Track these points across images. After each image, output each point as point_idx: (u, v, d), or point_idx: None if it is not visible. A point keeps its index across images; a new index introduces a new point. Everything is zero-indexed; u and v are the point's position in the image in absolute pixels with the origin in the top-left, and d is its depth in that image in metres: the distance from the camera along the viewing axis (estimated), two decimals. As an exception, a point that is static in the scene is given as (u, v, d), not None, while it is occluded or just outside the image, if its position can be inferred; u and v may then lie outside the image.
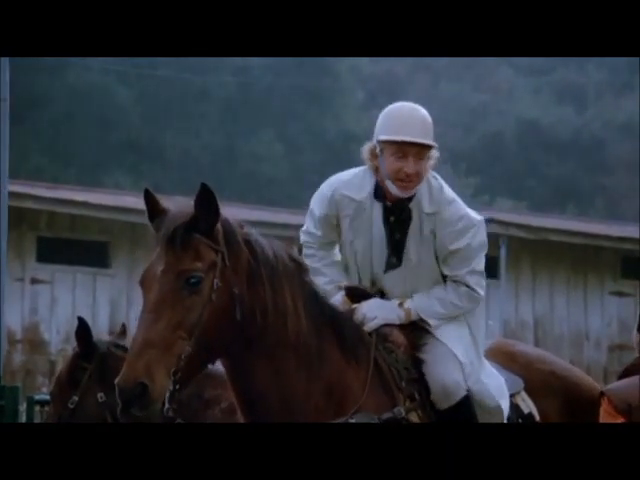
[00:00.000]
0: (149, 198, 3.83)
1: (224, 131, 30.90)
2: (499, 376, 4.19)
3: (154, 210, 3.89)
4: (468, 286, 4.07)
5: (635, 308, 19.36)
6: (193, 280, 3.67)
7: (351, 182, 4.09)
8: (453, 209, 4.07)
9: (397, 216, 4.03)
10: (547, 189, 32.75)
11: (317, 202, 4.15)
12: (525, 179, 33.12)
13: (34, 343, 16.74)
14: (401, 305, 4.07)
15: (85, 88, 28.73)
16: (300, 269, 3.87)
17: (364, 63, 33.92)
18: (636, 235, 19.09)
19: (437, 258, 4.08)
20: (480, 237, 4.13)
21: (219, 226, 3.73)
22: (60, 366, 4.90)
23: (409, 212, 4.03)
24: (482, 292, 4.11)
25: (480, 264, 4.12)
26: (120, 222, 17.20)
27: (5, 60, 6.74)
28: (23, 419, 6.43)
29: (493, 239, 18.21)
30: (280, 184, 30.83)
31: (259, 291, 3.73)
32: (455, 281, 4.08)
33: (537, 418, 4.22)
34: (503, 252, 16.62)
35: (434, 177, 4.10)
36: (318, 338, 3.81)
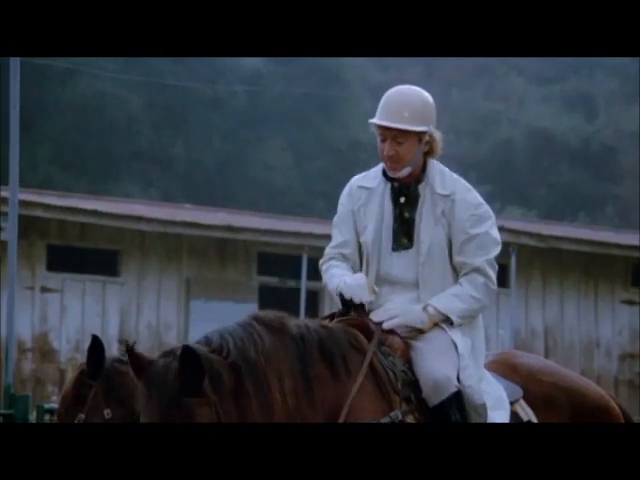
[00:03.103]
0: (132, 356, 3.76)
1: (234, 140, 30.92)
2: (498, 384, 4.20)
3: (138, 368, 3.79)
4: (486, 275, 4.09)
5: (646, 317, 19.30)
6: None
7: (367, 175, 4.25)
8: (473, 195, 4.16)
9: (406, 196, 4.14)
10: (558, 197, 32.69)
11: (340, 200, 4.27)
12: (536, 187, 33.07)
13: (44, 352, 16.75)
14: (425, 309, 4.09)
15: (95, 97, 28.79)
16: (282, 329, 3.93)
17: (372, 71, 33.94)
18: (647, 243, 19.01)
19: (450, 246, 4.11)
20: (496, 232, 4.20)
21: (206, 376, 3.73)
22: (69, 375, 4.89)
23: (416, 192, 4.13)
24: (496, 286, 4.14)
25: (494, 259, 4.15)
26: (130, 230, 17.21)
27: (16, 69, 6.74)
28: (33, 428, 6.41)
29: (503, 248, 18.08)
30: (290, 192, 30.83)
31: (246, 407, 3.78)
32: (471, 272, 4.09)
33: None
34: (513, 261, 16.59)
35: (444, 166, 4.21)
36: (306, 388, 3.87)
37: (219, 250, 17.94)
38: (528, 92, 35.33)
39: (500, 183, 32.24)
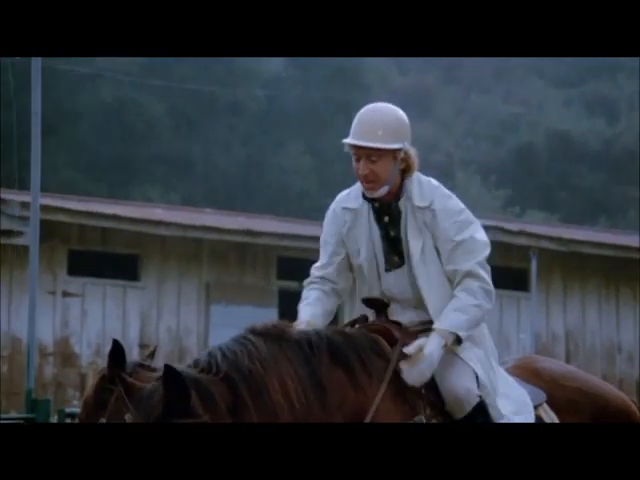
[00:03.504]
0: (125, 385, 3.84)
1: (253, 144, 30.96)
2: (521, 388, 4.19)
3: (129, 395, 3.88)
4: (479, 278, 4.05)
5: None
6: None
7: (349, 194, 4.23)
8: (453, 202, 4.12)
9: (389, 215, 4.11)
10: (578, 201, 32.57)
11: (325, 220, 4.25)
12: (556, 191, 32.95)
13: (65, 356, 16.81)
14: (436, 335, 4.02)
15: (115, 102, 28.89)
16: (282, 336, 3.92)
17: (394, 75, 33.90)
18: (669, 247, 18.89)
19: (440, 256, 4.09)
20: (482, 234, 4.15)
21: (193, 395, 3.73)
22: (90, 379, 4.93)
23: (398, 208, 4.11)
24: (492, 286, 4.10)
25: (485, 260, 4.10)
26: (150, 235, 17.25)
27: (37, 74, 6.78)
28: (54, 432, 6.44)
29: (524, 251, 18.12)
30: (310, 196, 30.84)
31: (246, 418, 3.78)
32: (463, 278, 4.05)
33: None
34: (534, 265, 16.53)
35: (423, 176, 4.17)
36: (318, 392, 3.85)
37: (239, 254, 17.96)
38: (548, 95, 35.20)
39: (520, 187, 32.12)
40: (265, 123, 31.01)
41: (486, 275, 4.08)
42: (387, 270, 4.10)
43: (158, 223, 17.23)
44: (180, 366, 3.78)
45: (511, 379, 4.19)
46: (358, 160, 4.11)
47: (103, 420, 4.38)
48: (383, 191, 4.08)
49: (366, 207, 4.14)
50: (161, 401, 3.70)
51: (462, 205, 4.12)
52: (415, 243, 4.07)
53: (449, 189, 4.20)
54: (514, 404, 4.11)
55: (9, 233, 16.26)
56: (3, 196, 16.82)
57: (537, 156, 33.59)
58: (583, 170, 33.23)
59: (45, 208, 14.97)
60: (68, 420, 6.48)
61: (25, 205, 14.64)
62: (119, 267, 17.28)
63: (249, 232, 17.70)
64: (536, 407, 4.18)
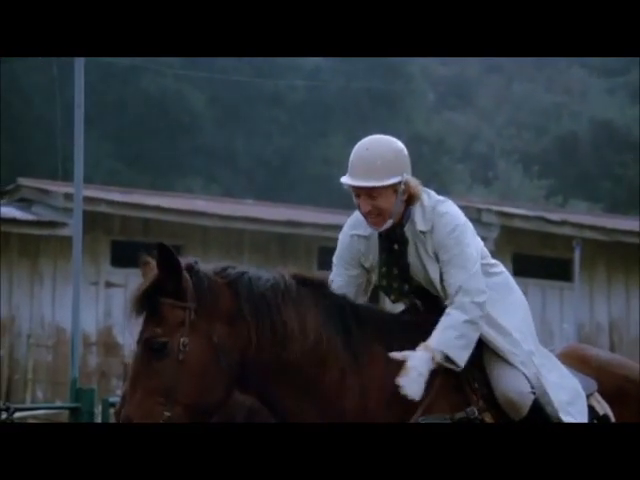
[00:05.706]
0: (144, 266, 4.00)
1: (294, 135, 30.99)
2: (573, 377, 4.18)
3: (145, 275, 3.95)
4: (469, 293, 3.99)
5: None
6: (156, 346, 3.79)
7: (359, 218, 4.19)
8: (446, 219, 4.06)
9: (397, 242, 4.11)
10: (622, 191, 32.28)
11: (340, 242, 4.22)
12: (600, 181, 32.69)
13: (108, 346, 16.95)
14: (426, 350, 3.97)
15: (158, 93, 29.04)
16: (316, 291, 3.93)
17: (435, 65, 33.77)
18: None
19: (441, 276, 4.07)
20: (474, 246, 4.05)
21: (188, 280, 3.81)
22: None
23: (404, 236, 4.10)
24: (484, 297, 4.00)
25: (477, 272, 4.01)
26: (192, 226, 17.34)
27: (80, 68, 6.82)
28: (99, 421, 6.51)
29: (567, 241, 17.99)
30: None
31: (243, 332, 3.79)
32: (455, 294, 4.00)
33: (612, 419, 4.22)
34: (577, 254, 16.41)
35: (427, 195, 4.12)
36: (351, 349, 3.86)
37: (280, 245, 18.00)
38: (591, 84, 34.90)
39: (563, 177, 31.88)
40: (306, 114, 31.02)
41: (476, 288, 4.00)
42: (395, 301, 4.12)
43: (200, 214, 17.31)
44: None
45: (564, 368, 4.18)
46: (358, 196, 4.11)
47: None
48: (388, 224, 4.07)
49: (376, 235, 4.14)
50: (153, 276, 3.84)
51: (458, 220, 4.05)
52: (421, 270, 4.05)
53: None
54: (568, 394, 4.10)
55: (53, 224, 16.41)
56: (47, 187, 16.98)
57: (580, 145, 33.32)
58: (627, 159, 32.91)
59: (88, 199, 15.09)
60: (112, 409, 6.53)
61: (68, 196, 14.76)
62: (162, 258, 17.35)
63: (290, 223, 17.72)
64: (588, 396, 4.18)
